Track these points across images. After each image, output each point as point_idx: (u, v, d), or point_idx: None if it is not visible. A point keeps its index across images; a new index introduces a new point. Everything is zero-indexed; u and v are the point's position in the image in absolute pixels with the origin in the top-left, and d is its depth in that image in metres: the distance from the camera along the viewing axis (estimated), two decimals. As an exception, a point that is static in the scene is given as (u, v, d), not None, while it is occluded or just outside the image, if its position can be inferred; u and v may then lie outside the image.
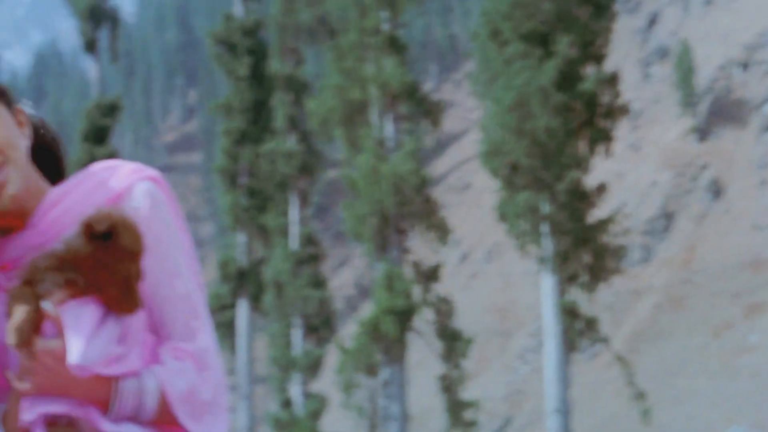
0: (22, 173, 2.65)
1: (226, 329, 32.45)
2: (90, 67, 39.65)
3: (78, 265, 2.48)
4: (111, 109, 34.16)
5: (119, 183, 2.67)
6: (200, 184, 75.85)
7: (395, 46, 25.45)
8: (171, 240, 2.68)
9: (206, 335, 2.63)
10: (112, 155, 32.35)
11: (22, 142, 2.69)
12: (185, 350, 2.58)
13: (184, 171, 79.56)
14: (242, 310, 31.88)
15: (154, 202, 2.65)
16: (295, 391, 30.54)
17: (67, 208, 2.67)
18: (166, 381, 2.52)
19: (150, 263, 2.58)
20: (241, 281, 31.86)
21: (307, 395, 30.15)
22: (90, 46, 36.02)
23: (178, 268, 2.66)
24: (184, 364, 2.56)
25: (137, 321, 2.52)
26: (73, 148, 45.41)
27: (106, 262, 2.46)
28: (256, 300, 31.71)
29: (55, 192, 2.69)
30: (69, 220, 2.65)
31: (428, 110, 25.02)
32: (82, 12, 35.61)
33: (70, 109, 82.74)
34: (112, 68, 65.20)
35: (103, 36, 36.67)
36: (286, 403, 30.01)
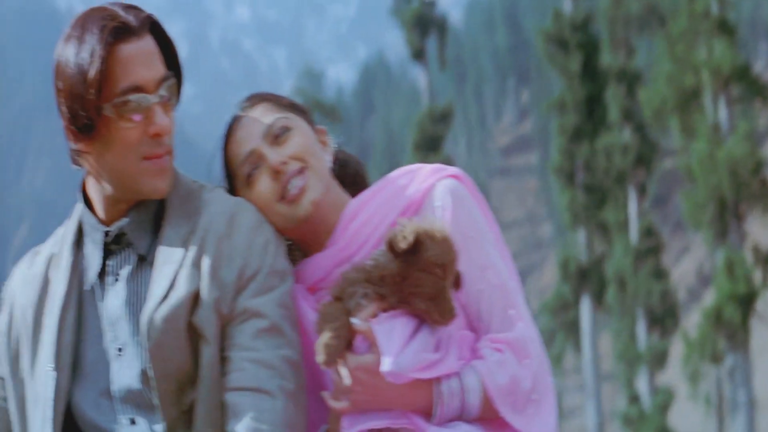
0: (322, 181, 2.92)
1: (569, 328, 33.61)
2: (419, 76, 40.42)
3: (386, 282, 2.65)
4: (443, 117, 35.68)
5: (419, 186, 2.88)
6: (537, 184, 77.52)
7: (725, 28, 26.44)
8: (478, 233, 2.84)
9: (525, 323, 2.79)
10: (445, 163, 34.05)
11: (323, 155, 2.98)
12: (504, 340, 2.74)
13: (521, 173, 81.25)
14: (585, 308, 32.84)
15: (456, 198, 2.84)
16: (642, 385, 31.49)
17: (366, 219, 2.90)
18: (486, 376, 2.67)
19: (460, 258, 2.72)
20: (583, 279, 32.75)
21: (654, 389, 31.05)
22: (418, 55, 37.29)
23: (489, 259, 2.83)
24: (504, 356, 2.71)
25: (450, 328, 2.69)
26: (404, 158, 48.09)
27: (411, 278, 2.62)
28: (598, 297, 32.58)
29: (354, 204, 2.93)
30: (370, 230, 2.89)
31: (760, 91, 26.01)
32: (409, 22, 36.99)
33: (399, 120, 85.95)
34: (441, 75, 67.99)
35: (431, 44, 37.73)
36: (634, 399, 30.90)
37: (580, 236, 33.54)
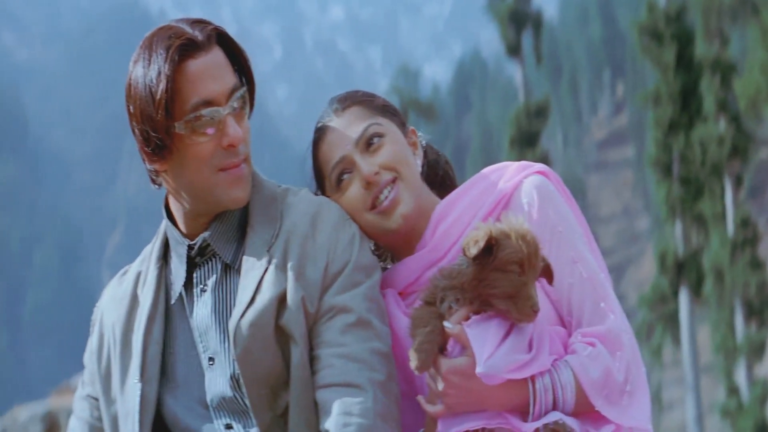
0: (413, 192, 2.98)
1: (668, 321, 33.72)
2: (515, 72, 40.30)
3: (465, 287, 2.72)
4: (539, 112, 36.12)
5: (506, 184, 2.95)
6: (633, 178, 77.79)
7: (817, 16, 26.95)
8: (566, 227, 2.89)
9: (616, 315, 2.82)
10: (542, 159, 34.19)
11: (414, 160, 3.03)
12: (596, 333, 2.78)
13: (617, 166, 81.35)
14: (683, 301, 32.93)
15: (543, 194, 2.90)
16: (741, 377, 31.70)
17: (455, 219, 2.96)
18: (579, 370, 2.72)
19: (549, 253, 2.80)
20: (681, 271, 32.88)
21: (753, 380, 31.23)
22: (514, 51, 37.65)
23: (579, 253, 2.87)
24: (596, 349, 2.75)
25: (542, 325, 2.74)
26: (501, 155, 48.58)
27: (487, 279, 2.68)
28: (696, 289, 32.74)
29: (441, 206, 3.00)
30: (459, 231, 2.95)
31: None
32: (504, 18, 37.25)
33: (496, 116, 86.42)
34: (537, 71, 68.62)
35: (526, 39, 38.01)
36: (733, 391, 31.17)
37: (677, 229, 33.68)
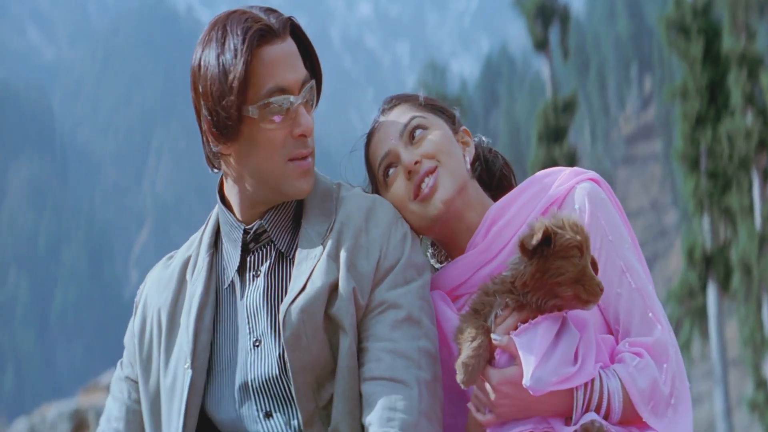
0: (455, 179, 2.99)
1: (696, 315, 33.80)
2: (542, 67, 40.88)
3: (527, 285, 2.72)
4: (567, 107, 36.14)
5: (558, 188, 2.97)
6: (661, 172, 78.08)
7: (843, 9, 27.25)
8: (617, 236, 2.91)
9: (663, 327, 2.84)
10: (570, 154, 34.76)
11: (459, 154, 3.05)
12: (643, 344, 2.80)
13: (644, 161, 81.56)
14: (711, 295, 33.15)
15: (595, 201, 2.92)
16: None
17: (507, 221, 2.98)
18: (627, 380, 2.74)
19: (598, 261, 2.81)
20: (709, 265, 33.16)
21: None
22: (541, 46, 37.61)
23: (628, 262, 2.89)
24: (644, 360, 2.78)
25: (590, 333, 2.76)
26: (529, 150, 48.71)
27: (552, 267, 2.69)
28: (724, 283, 32.93)
29: (495, 207, 3.02)
30: (511, 233, 2.96)
31: None
32: (531, 12, 37.31)
33: (523, 111, 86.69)
34: (564, 66, 68.87)
35: (554, 34, 38.00)
36: (761, 384, 31.16)
37: (705, 223, 33.87)
